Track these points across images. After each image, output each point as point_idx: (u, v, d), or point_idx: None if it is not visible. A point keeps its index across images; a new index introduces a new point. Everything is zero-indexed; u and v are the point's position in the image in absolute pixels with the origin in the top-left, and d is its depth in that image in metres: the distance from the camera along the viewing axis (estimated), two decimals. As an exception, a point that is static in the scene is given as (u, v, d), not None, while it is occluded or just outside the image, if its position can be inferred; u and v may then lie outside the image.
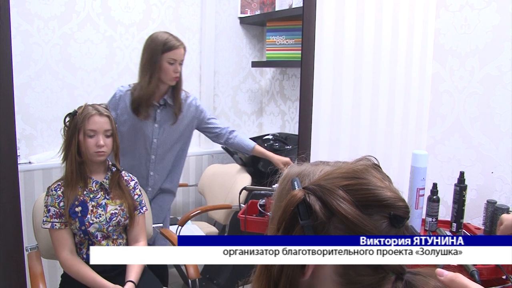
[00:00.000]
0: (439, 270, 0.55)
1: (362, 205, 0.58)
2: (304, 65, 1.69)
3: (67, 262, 1.60)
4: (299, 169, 0.68)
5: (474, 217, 1.82)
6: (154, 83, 1.95)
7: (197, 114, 2.16)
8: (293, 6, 2.68)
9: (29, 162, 2.35)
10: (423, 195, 1.64)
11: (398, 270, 0.59)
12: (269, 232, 0.66)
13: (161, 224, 2.11)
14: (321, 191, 0.59)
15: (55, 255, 1.66)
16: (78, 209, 1.61)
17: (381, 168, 0.66)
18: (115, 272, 1.68)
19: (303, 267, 0.60)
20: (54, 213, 1.60)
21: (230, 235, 2.62)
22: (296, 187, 0.61)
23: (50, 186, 1.64)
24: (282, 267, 0.60)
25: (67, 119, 1.64)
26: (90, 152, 1.61)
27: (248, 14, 3.02)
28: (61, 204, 1.60)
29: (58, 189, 1.62)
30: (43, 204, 1.63)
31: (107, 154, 1.66)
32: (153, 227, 2.05)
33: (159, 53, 1.92)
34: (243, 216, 1.60)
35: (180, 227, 2.34)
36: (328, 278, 0.60)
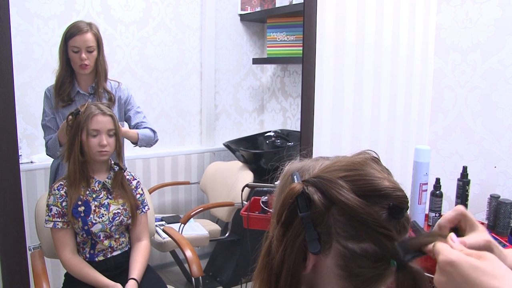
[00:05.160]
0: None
1: (361, 195, 0.58)
2: (305, 61, 1.69)
3: (69, 262, 1.61)
4: (299, 164, 0.68)
5: (478, 212, 1.82)
6: (65, 73, 1.89)
7: (124, 106, 2.06)
8: (294, 2, 2.68)
9: (31, 162, 2.35)
10: (426, 190, 1.64)
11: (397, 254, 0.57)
12: (271, 227, 0.66)
13: (163, 222, 2.11)
14: (320, 182, 0.59)
15: (56, 254, 1.66)
16: (81, 208, 1.61)
17: (380, 161, 0.66)
18: (118, 271, 1.68)
19: (304, 260, 0.60)
20: (56, 212, 1.60)
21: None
22: (296, 180, 0.61)
23: (53, 185, 1.64)
24: (282, 261, 0.60)
25: (70, 118, 1.63)
26: (93, 151, 1.61)
27: (249, 11, 3.01)
28: (64, 203, 1.60)
29: (61, 188, 1.62)
30: (46, 203, 1.63)
31: (110, 154, 1.65)
32: (156, 225, 2.05)
33: (64, 42, 1.87)
34: (246, 213, 1.60)
35: (182, 225, 2.35)
36: (330, 272, 0.60)
